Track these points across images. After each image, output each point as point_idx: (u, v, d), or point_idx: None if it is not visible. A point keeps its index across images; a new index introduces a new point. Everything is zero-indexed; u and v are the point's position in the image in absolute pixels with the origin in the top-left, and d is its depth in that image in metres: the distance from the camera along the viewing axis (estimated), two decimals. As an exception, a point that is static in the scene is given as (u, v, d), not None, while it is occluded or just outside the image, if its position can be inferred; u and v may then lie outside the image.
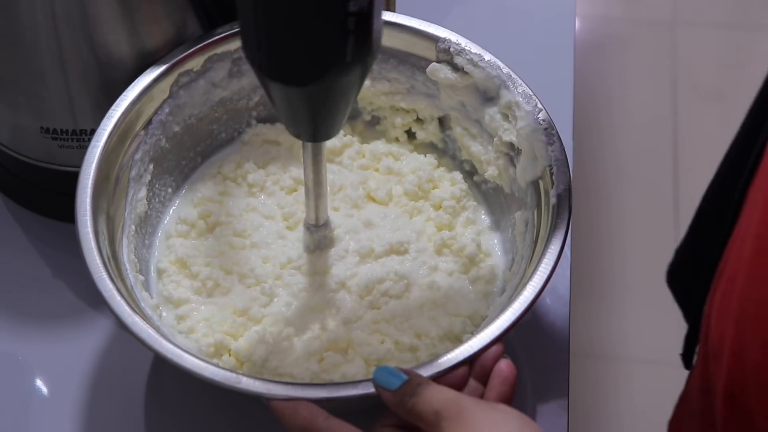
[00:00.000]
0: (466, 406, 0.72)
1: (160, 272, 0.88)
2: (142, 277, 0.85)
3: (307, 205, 0.86)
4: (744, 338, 0.66)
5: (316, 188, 0.83)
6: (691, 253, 0.90)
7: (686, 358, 0.89)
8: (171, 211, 0.92)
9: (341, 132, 0.96)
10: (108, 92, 0.88)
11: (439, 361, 0.76)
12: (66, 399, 0.88)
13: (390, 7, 1.04)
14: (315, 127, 0.76)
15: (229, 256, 0.89)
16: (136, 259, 0.86)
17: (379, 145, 0.97)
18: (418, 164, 0.95)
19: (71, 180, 0.83)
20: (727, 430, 0.70)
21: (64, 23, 0.84)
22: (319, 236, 0.88)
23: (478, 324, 0.86)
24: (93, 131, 0.86)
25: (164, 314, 0.86)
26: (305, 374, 0.82)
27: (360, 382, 0.75)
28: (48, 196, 0.95)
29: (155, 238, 0.90)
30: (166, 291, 0.87)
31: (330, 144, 0.95)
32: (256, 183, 0.93)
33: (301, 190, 0.91)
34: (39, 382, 0.89)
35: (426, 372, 0.75)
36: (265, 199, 0.93)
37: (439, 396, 0.73)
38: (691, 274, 0.87)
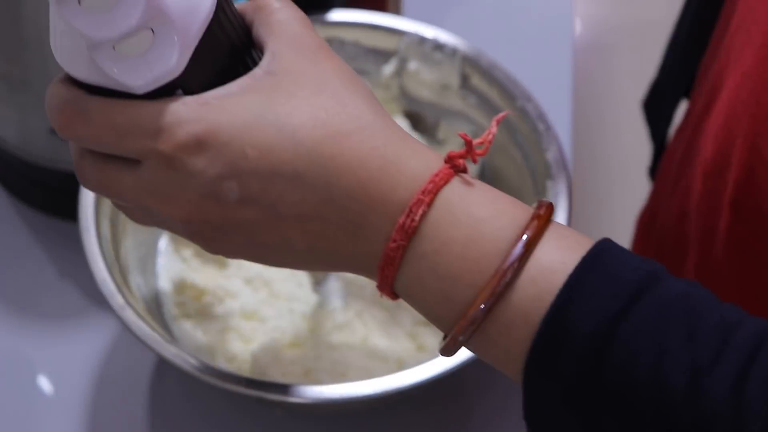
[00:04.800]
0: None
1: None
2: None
3: None
4: (760, 141, 0.66)
5: None
6: (663, 84, 0.95)
7: (653, 171, 0.97)
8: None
9: None
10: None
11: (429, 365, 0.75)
12: (69, 398, 0.88)
13: (399, 11, 1.04)
14: None
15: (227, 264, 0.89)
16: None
17: None
18: None
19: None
20: (732, 236, 0.71)
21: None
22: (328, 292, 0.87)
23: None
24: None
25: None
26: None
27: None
28: (55, 195, 0.95)
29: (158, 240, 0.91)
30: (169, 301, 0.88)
31: None
32: None
33: None
34: (42, 381, 0.90)
35: (410, 380, 0.73)
36: None
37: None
38: (662, 103, 0.95)
